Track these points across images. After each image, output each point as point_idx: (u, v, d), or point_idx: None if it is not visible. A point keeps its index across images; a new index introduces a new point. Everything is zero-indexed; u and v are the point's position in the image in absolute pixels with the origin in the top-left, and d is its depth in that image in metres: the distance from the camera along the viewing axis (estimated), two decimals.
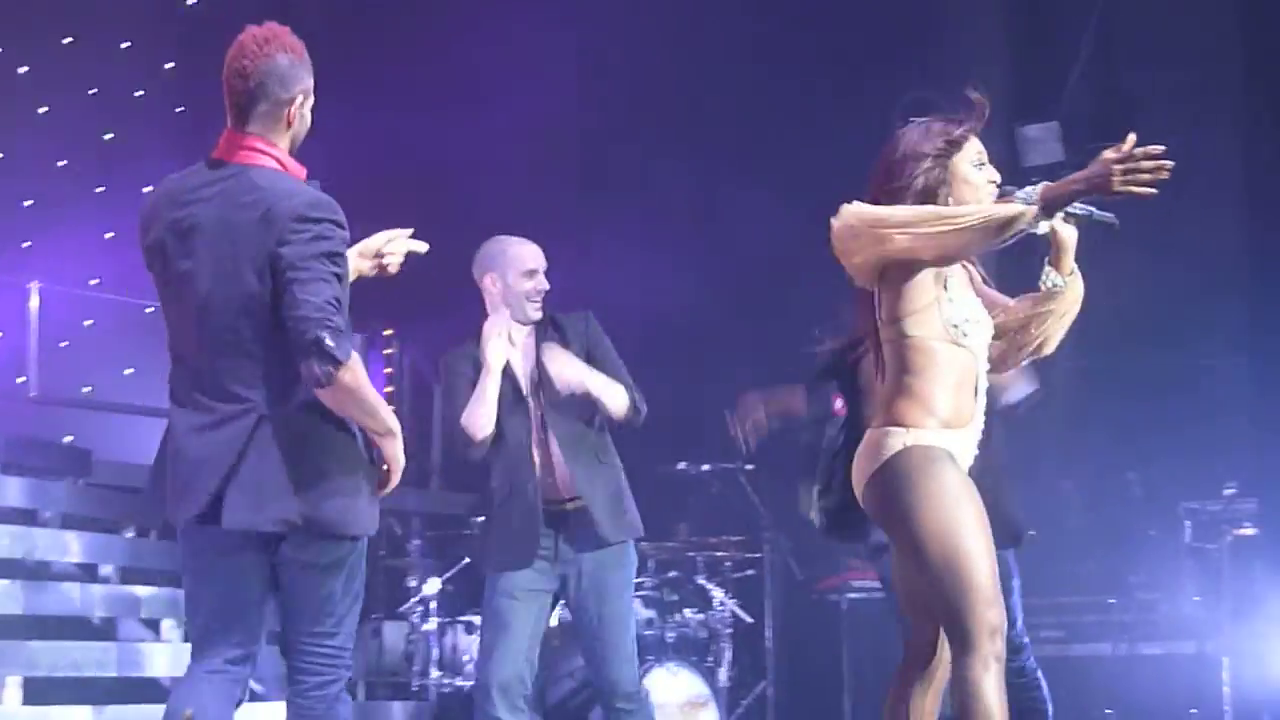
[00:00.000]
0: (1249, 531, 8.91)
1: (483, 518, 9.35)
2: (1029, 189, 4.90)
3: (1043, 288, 5.14)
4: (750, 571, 9.87)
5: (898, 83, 11.46)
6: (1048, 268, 5.12)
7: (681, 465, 9.77)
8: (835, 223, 4.99)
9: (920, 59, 11.38)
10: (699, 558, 9.50)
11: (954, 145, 5.10)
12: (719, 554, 9.59)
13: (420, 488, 11.82)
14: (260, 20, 4.78)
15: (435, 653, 9.27)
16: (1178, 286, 8.90)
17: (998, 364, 5.23)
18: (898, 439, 4.99)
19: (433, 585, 9.27)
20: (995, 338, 5.17)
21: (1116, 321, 7.85)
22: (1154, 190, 4.76)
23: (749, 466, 9.73)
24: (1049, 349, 5.26)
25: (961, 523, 4.90)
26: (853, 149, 11.01)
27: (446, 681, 9.22)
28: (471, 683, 9.05)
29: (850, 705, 9.85)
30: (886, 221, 4.91)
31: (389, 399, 12.46)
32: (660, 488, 10.08)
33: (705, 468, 9.77)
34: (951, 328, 4.99)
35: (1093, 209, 5.05)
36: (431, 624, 9.27)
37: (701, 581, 9.39)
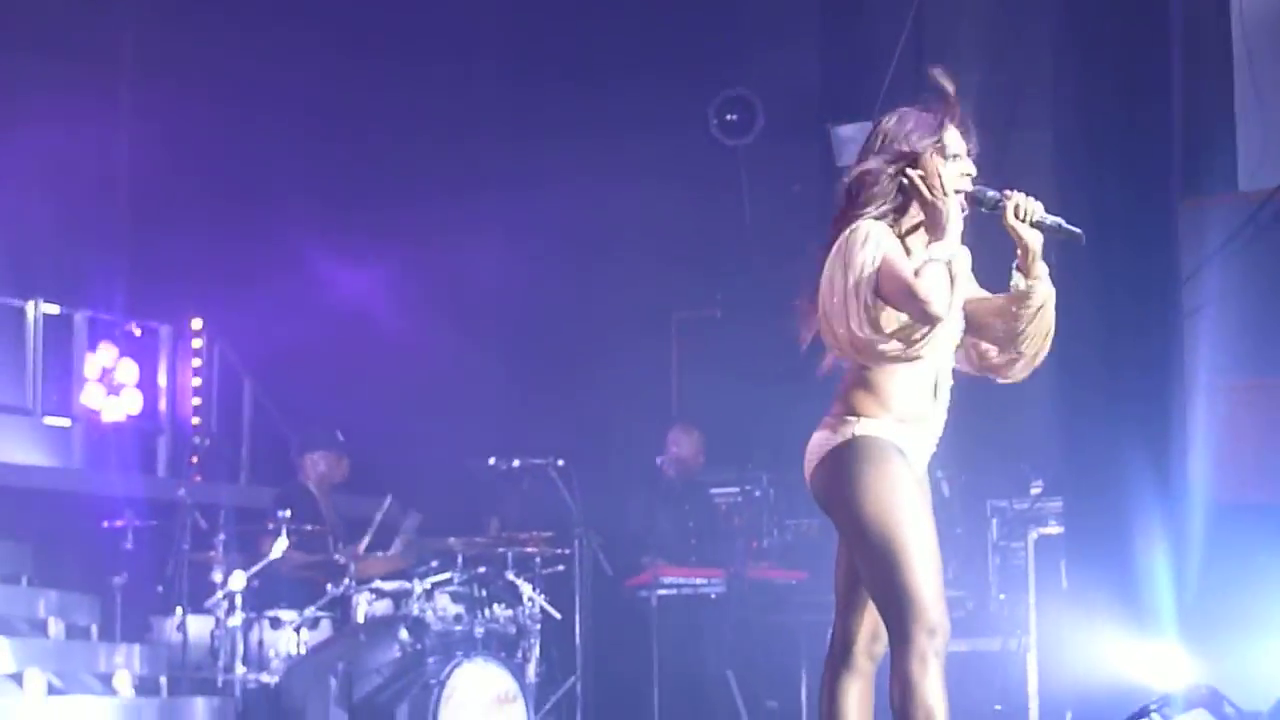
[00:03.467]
0: (1054, 530, 9.02)
1: (289, 511, 9.25)
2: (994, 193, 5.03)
3: (1012, 290, 5.14)
4: (560, 568, 9.83)
5: (713, 81, 11.56)
6: (1015, 271, 5.12)
7: (492, 460, 9.71)
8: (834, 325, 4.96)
9: (734, 58, 11.42)
10: (509, 553, 9.44)
11: (919, 148, 5.09)
12: (529, 550, 9.54)
13: (230, 482, 11.67)
14: None
15: (240, 648, 9.13)
16: (989, 286, 8.98)
17: (1000, 369, 5.24)
18: (849, 427, 5.01)
19: (238, 580, 9.13)
20: (971, 332, 5.18)
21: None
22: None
23: (560, 462, 9.70)
24: (1038, 357, 5.26)
25: (902, 517, 4.91)
26: (663, 146, 11.14)
27: (252, 677, 9.09)
28: (277, 679, 8.94)
29: (659, 700, 9.85)
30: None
31: (197, 392, 12.28)
32: (471, 482, 10.04)
33: (516, 463, 9.72)
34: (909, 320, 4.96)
35: (1061, 220, 5.09)
36: (236, 619, 9.14)
37: (511, 577, 9.34)
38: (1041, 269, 5.12)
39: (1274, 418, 9.01)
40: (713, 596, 10.07)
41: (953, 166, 5.11)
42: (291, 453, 10.27)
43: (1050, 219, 5.09)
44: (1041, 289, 5.13)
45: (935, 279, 4.87)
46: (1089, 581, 8.78)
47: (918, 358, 4.96)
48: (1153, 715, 7.10)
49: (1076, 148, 8.82)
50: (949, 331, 5.06)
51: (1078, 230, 5.15)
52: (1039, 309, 5.14)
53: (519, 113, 11.45)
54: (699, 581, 10.08)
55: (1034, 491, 9.10)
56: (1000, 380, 5.28)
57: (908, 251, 5.03)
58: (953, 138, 5.14)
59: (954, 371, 5.20)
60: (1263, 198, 9.08)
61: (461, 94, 11.61)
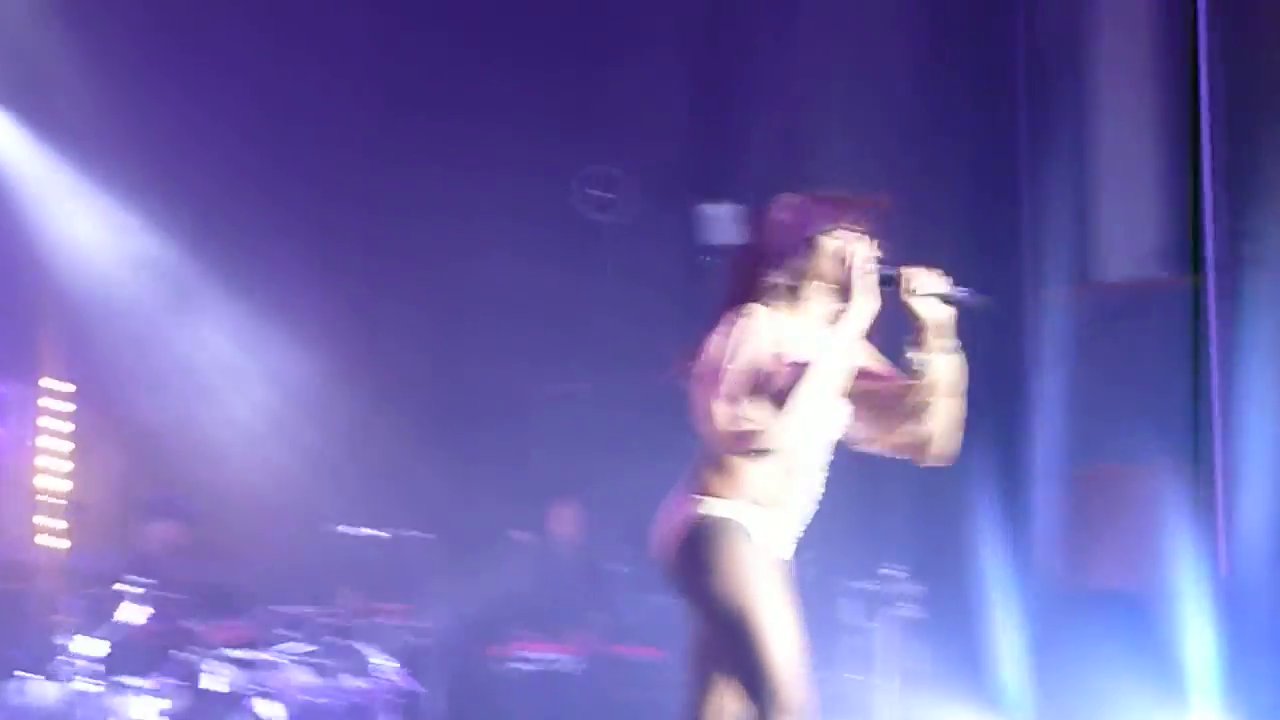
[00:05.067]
0: (912, 612, 9.06)
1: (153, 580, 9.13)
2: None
3: (907, 365, 5.09)
4: (424, 639, 9.76)
5: (576, 156, 11.60)
6: (909, 347, 5.08)
7: (342, 528, 9.63)
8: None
9: (600, 134, 11.47)
10: (367, 623, 9.37)
11: (818, 239, 5.07)
12: (388, 620, 9.48)
13: (78, 544, 11.51)
14: None
15: (92, 714, 9.00)
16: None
17: (909, 450, 5.19)
18: (697, 507, 4.99)
19: (92, 645, 9.02)
20: (866, 405, 5.13)
21: None
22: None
23: (414, 532, 9.66)
24: (947, 436, 5.21)
25: (753, 597, 4.88)
26: (526, 221, 11.16)
27: None
28: None
29: None
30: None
31: (61, 455, 12.14)
32: (325, 550, 9.97)
33: (373, 532, 9.66)
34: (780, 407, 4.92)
35: (964, 290, 5.08)
36: (90, 684, 9.01)
37: (368, 647, 9.27)
38: (943, 344, 5.08)
39: (1122, 503, 9.16)
40: (573, 673, 10.03)
41: (855, 246, 5.07)
42: (132, 520, 10.13)
43: (951, 290, 5.06)
44: (942, 365, 5.09)
45: (788, 411, 4.87)
46: (949, 665, 8.87)
47: (765, 454, 4.93)
48: None
49: (929, 234, 8.96)
50: (817, 429, 5.03)
51: (983, 297, 5.13)
52: (940, 391, 5.10)
53: (383, 183, 11.42)
54: (556, 657, 10.05)
55: (885, 572, 9.16)
56: (918, 463, 5.23)
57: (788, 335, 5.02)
58: (852, 221, 5.11)
59: (830, 462, 5.15)
60: (1110, 289, 9.25)
61: (325, 159, 11.50)
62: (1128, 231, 9.44)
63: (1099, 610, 8.98)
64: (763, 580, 4.94)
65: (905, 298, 5.03)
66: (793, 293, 5.09)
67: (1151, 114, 9.53)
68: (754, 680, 4.88)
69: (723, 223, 10.05)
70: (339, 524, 9.66)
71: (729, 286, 5.12)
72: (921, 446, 5.18)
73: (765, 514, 5.03)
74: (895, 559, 9.08)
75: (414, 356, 11.61)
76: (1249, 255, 8.37)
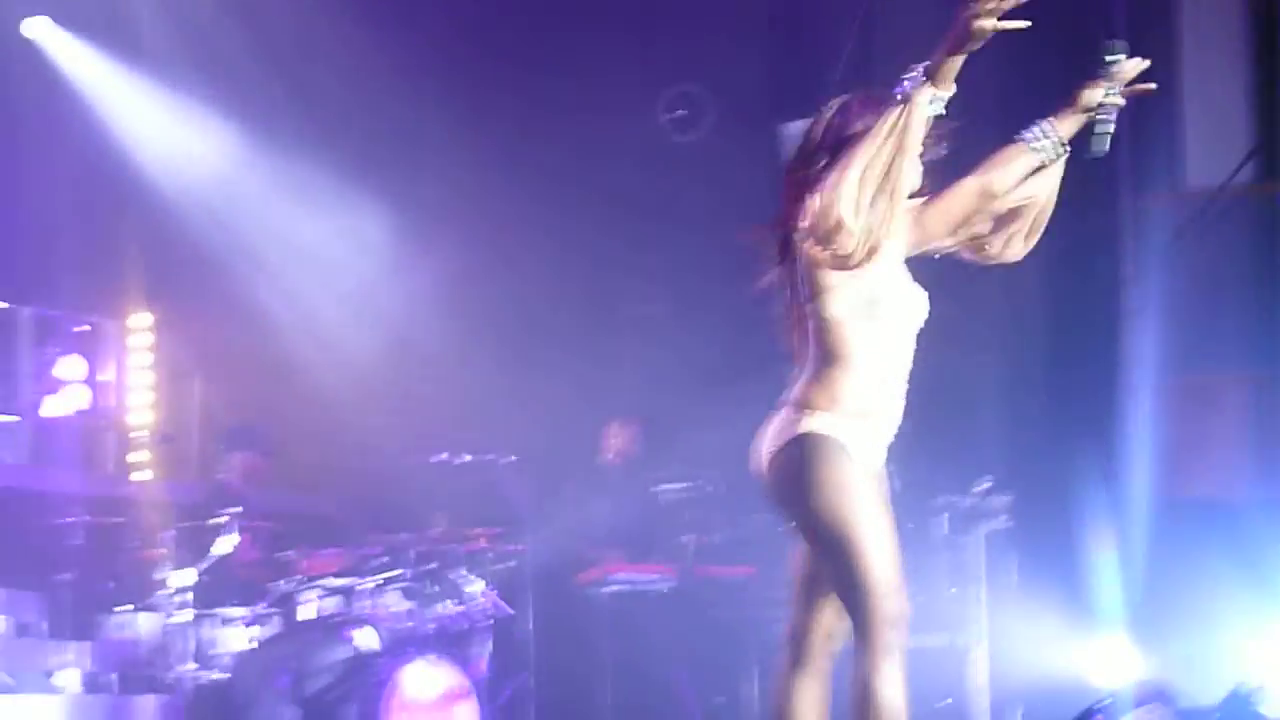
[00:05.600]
0: (1003, 525, 9.05)
1: (238, 508, 9.22)
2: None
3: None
4: (511, 564, 9.82)
5: (658, 78, 11.57)
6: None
7: (443, 455, 9.69)
8: (831, 216, 4.80)
9: (684, 54, 11.41)
10: (459, 549, 9.43)
11: None
12: (479, 546, 9.54)
13: (178, 479, 11.61)
14: None
15: (189, 645, 9.10)
16: (930, 284, 9.05)
17: (997, 249, 5.16)
18: (799, 423, 4.97)
19: (186, 577, 9.10)
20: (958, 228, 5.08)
21: None
22: (1021, 23, 4.77)
23: (511, 458, 9.70)
24: (1038, 218, 5.18)
25: (853, 512, 4.88)
26: (609, 142, 11.14)
27: (200, 675, 9.05)
28: (226, 676, 8.92)
29: (611, 697, 9.85)
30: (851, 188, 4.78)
31: (147, 388, 12.24)
32: (420, 478, 10.02)
33: (466, 458, 9.71)
34: (869, 304, 4.94)
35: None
36: (185, 616, 9.10)
37: (461, 573, 9.33)
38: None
39: (1216, 413, 9.08)
40: (663, 593, 10.08)
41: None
42: (218, 450, 10.19)
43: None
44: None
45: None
46: (1039, 578, 8.84)
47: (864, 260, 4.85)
48: (1101, 712, 7.14)
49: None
50: (910, 306, 5.03)
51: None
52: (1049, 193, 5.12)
53: (465, 106, 11.42)
54: (650, 578, 10.09)
55: (981, 488, 9.12)
56: (1003, 261, 5.20)
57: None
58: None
59: (911, 363, 5.14)
60: (1208, 195, 9.15)
61: (403, 79, 11.50)
62: (1220, 139, 9.33)
63: (1194, 520, 8.91)
64: (862, 495, 4.94)
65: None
66: None
67: (1240, 22, 9.41)
68: (855, 594, 4.90)
69: None
70: (429, 452, 9.70)
71: (785, 197, 5.07)
72: (1010, 240, 5.18)
73: (863, 424, 5.01)
74: (988, 472, 9.04)
75: (497, 281, 11.61)
76: None
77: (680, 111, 11.49)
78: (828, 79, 10.22)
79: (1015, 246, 5.21)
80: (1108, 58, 5.05)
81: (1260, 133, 9.28)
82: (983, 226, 5.17)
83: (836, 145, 4.97)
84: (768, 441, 5.05)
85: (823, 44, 10.65)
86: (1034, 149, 5.08)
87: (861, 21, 10.40)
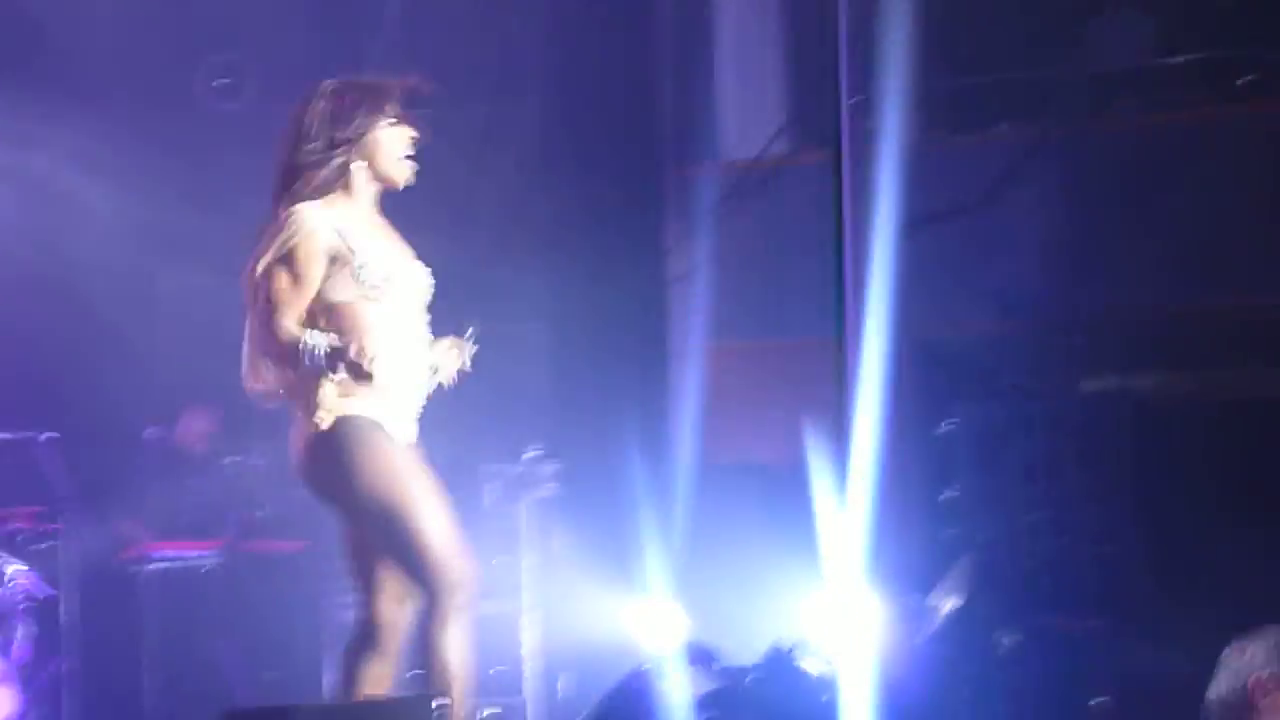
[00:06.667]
0: (550, 493, 9.13)
1: None
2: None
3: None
4: (51, 543, 9.54)
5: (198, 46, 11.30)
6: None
7: None
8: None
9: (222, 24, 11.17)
10: None
11: (369, 122, 5.10)
12: (16, 526, 9.26)
13: None
14: None
15: None
16: (479, 253, 9.07)
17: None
18: (325, 411, 4.99)
19: None
20: None
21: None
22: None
23: (48, 435, 9.43)
24: None
25: (400, 487, 4.96)
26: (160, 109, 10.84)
27: None
28: None
29: (159, 678, 9.67)
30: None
31: None
32: None
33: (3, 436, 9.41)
34: (370, 289, 5.02)
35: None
36: None
37: None
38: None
39: (754, 379, 9.32)
40: (209, 569, 9.93)
41: (398, 133, 5.15)
42: None
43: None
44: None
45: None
46: (586, 544, 8.95)
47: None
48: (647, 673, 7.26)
49: (563, 119, 8.96)
50: (412, 280, 5.18)
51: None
52: None
53: None
54: (194, 554, 9.93)
55: (527, 456, 9.20)
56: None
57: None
58: (394, 109, 5.17)
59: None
60: (745, 167, 9.38)
61: None
62: (756, 111, 9.56)
63: (736, 485, 9.13)
64: (404, 469, 5.03)
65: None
66: (343, 189, 5.14)
67: None
68: (415, 565, 4.97)
69: None
70: None
71: (277, 183, 5.09)
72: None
73: (387, 401, 5.08)
74: (535, 440, 9.12)
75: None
76: (872, 127, 8.53)
77: (222, 79, 11.25)
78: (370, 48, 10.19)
79: None
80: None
81: (793, 106, 9.53)
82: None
83: (330, 141, 5.04)
84: (300, 429, 5.02)
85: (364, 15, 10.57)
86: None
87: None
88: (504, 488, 9.10)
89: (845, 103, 6.32)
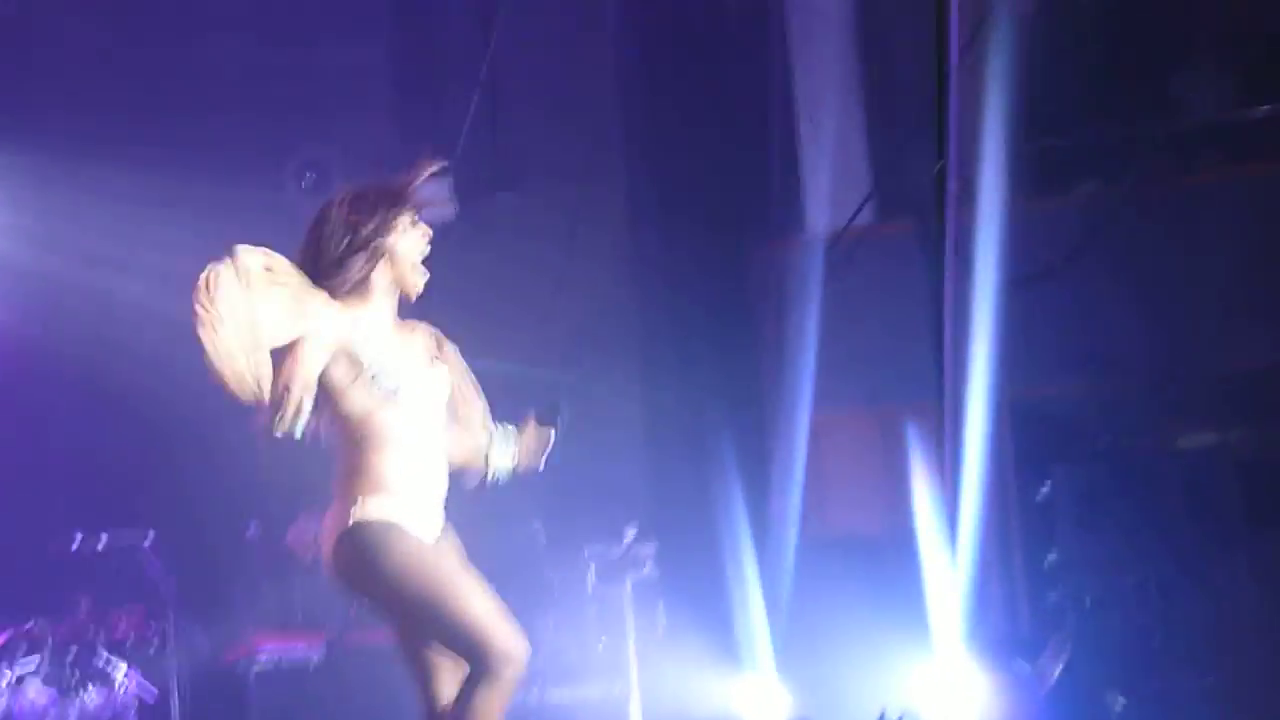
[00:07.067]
0: (649, 573, 9.13)
1: None
2: None
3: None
4: (155, 645, 9.58)
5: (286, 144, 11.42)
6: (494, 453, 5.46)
7: (77, 541, 9.43)
8: None
9: (309, 119, 11.29)
10: (100, 633, 9.18)
11: (388, 227, 5.12)
12: (121, 628, 9.30)
13: None
14: None
15: None
16: (574, 330, 9.09)
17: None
18: (351, 513, 5.06)
19: None
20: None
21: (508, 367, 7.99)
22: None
23: (150, 534, 9.48)
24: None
25: (427, 577, 4.99)
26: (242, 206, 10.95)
27: None
28: None
29: None
30: None
31: None
32: (56, 562, 9.71)
33: (104, 539, 9.46)
34: (388, 394, 5.07)
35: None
36: None
37: (103, 657, 9.09)
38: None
39: (850, 449, 9.28)
40: (313, 664, 9.94)
41: (415, 235, 5.19)
42: None
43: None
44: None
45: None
46: (686, 622, 8.92)
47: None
48: None
49: (649, 198, 8.99)
50: (430, 384, 5.23)
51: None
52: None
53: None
54: (298, 650, 9.94)
55: (628, 538, 9.20)
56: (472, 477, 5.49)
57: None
58: (424, 233, 5.23)
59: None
60: (831, 239, 9.37)
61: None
62: (839, 183, 9.56)
63: (840, 558, 9.09)
64: (428, 560, 5.06)
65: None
66: (360, 289, 5.17)
67: (847, 67, 9.67)
68: (463, 642, 5.00)
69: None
70: (72, 533, 9.44)
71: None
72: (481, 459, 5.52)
73: (407, 500, 5.13)
74: (632, 519, 9.12)
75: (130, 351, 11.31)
76: (959, 193, 8.53)
77: (310, 175, 11.35)
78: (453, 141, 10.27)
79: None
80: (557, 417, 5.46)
81: (876, 177, 9.53)
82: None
83: (349, 245, 5.10)
84: (326, 536, 5.12)
85: (446, 108, 10.66)
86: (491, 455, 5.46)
87: (482, 85, 10.44)
88: (607, 568, 9.09)
89: (951, 176, 6.31)
